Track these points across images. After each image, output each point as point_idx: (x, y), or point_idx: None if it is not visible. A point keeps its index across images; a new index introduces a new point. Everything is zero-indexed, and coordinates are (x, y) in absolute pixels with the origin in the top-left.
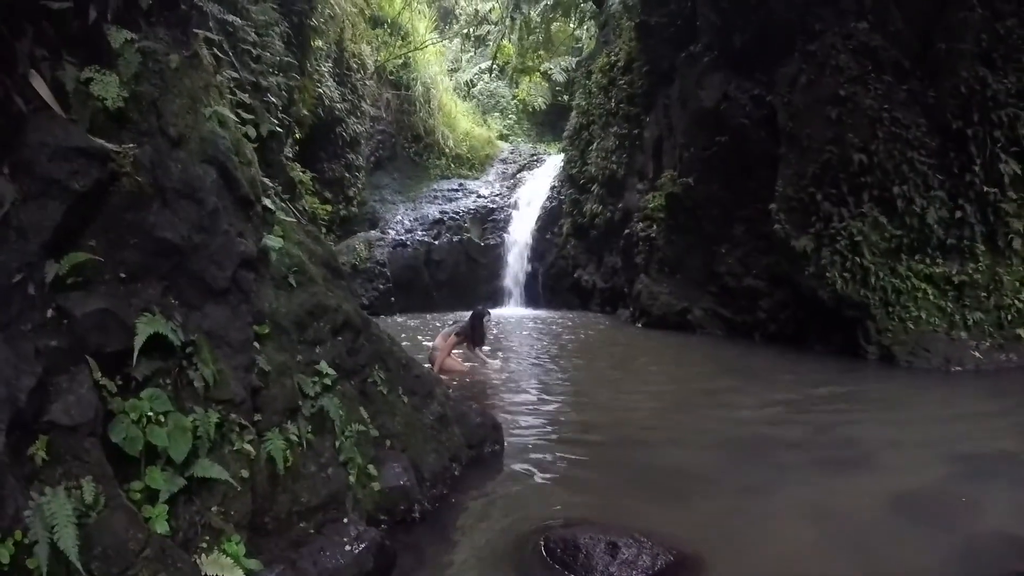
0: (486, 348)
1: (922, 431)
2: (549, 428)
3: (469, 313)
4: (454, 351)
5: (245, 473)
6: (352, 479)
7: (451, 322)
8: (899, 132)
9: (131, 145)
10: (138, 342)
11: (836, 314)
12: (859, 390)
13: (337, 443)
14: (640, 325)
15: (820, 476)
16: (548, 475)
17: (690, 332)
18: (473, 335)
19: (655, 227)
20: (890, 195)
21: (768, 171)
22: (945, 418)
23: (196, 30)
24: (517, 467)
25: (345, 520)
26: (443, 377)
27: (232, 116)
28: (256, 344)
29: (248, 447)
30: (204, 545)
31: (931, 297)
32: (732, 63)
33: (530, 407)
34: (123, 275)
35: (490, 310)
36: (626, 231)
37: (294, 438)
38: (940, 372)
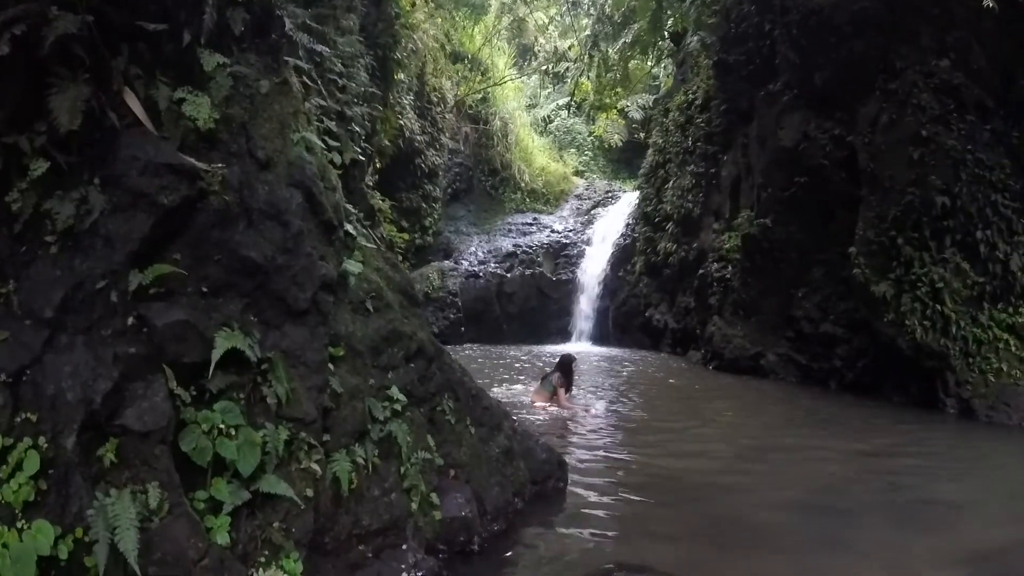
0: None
1: (1001, 490)
2: (615, 469)
3: (536, 347)
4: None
5: (310, 492)
6: (414, 506)
7: (542, 377)
8: (983, 174)
9: (220, 165)
10: (216, 355)
11: (915, 364)
12: (936, 444)
13: (402, 469)
14: (712, 368)
15: (896, 533)
16: (611, 517)
17: (763, 377)
18: (567, 381)
19: (730, 268)
20: (973, 240)
21: (848, 213)
22: None
23: (286, 58)
24: (580, 507)
25: (404, 547)
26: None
27: (319, 142)
28: (330, 366)
29: (315, 466)
30: (262, 560)
31: (1013, 348)
32: (812, 102)
33: (597, 447)
34: (205, 289)
35: (558, 346)
36: (700, 271)
37: (360, 461)
38: (1021, 428)
